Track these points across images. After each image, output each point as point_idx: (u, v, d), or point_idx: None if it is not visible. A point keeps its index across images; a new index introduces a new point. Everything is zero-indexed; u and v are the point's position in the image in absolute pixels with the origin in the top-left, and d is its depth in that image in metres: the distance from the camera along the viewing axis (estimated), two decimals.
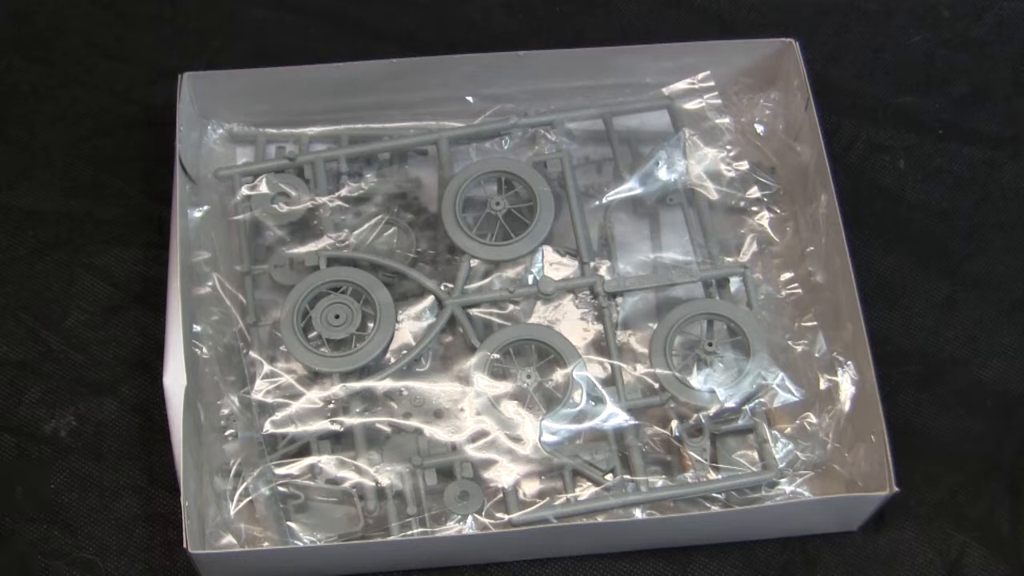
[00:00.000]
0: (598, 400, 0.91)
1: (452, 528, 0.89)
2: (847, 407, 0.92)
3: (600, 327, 0.94)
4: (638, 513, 0.89)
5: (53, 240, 1.02)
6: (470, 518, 0.89)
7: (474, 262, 0.95)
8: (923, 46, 1.12)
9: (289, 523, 0.90)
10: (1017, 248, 1.04)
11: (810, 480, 0.92)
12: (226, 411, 0.92)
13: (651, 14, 1.13)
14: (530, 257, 0.95)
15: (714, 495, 0.90)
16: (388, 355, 0.93)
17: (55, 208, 1.03)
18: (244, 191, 0.97)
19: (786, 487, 0.91)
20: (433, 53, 1.02)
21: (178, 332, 0.90)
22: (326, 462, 0.90)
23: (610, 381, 0.92)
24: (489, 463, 0.90)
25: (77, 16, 1.11)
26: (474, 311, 0.94)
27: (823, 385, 0.93)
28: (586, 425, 0.91)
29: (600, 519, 0.89)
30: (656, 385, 0.92)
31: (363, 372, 0.92)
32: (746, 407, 0.91)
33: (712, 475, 0.91)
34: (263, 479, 0.90)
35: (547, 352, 0.92)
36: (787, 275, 0.98)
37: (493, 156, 1.00)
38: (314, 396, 0.91)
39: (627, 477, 0.90)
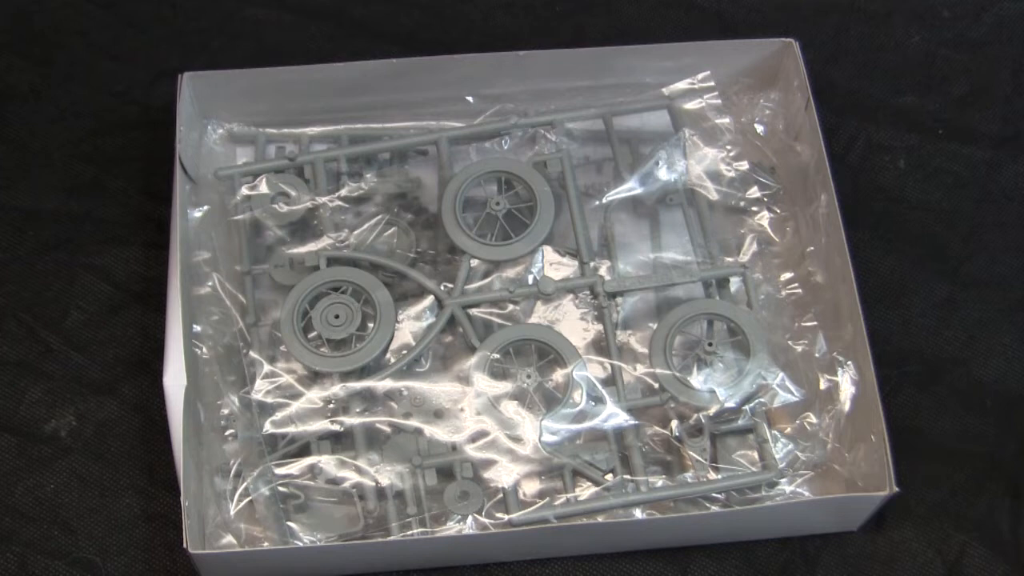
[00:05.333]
0: (598, 400, 0.91)
1: (452, 528, 0.89)
2: (847, 407, 0.92)
3: (600, 327, 0.94)
4: (638, 513, 0.90)
5: (53, 240, 1.02)
6: (470, 518, 0.89)
7: (474, 262, 0.95)
8: (923, 46, 1.12)
9: (289, 523, 0.90)
10: (1017, 248, 1.04)
11: (810, 480, 0.92)
12: (226, 411, 0.92)
13: (651, 14, 1.13)
14: (530, 257, 0.95)
15: (714, 495, 0.90)
16: (388, 355, 0.93)
17: (55, 208, 1.03)
18: (244, 191, 0.97)
19: (786, 487, 0.91)
20: (433, 53, 1.02)
21: (178, 332, 0.90)
22: (326, 462, 0.90)
23: (610, 381, 0.92)
24: (489, 463, 0.90)
25: (77, 16, 1.11)
26: (474, 311, 0.94)
27: (823, 385, 0.93)
28: (586, 425, 0.91)
29: (600, 519, 0.90)
30: (656, 385, 0.92)
31: (363, 372, 0.92)
32: (746, 407, 0.91)
33: (712, 475, 0.91)
34: (263, 479, 0.90)
35: (547, 352, 0.92)
36: (787, 275, 0.98)
37: (493, 156, 1.00)
38: (314, 396, 0.91)
39: (627, 477, 0.90)
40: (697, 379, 0.92)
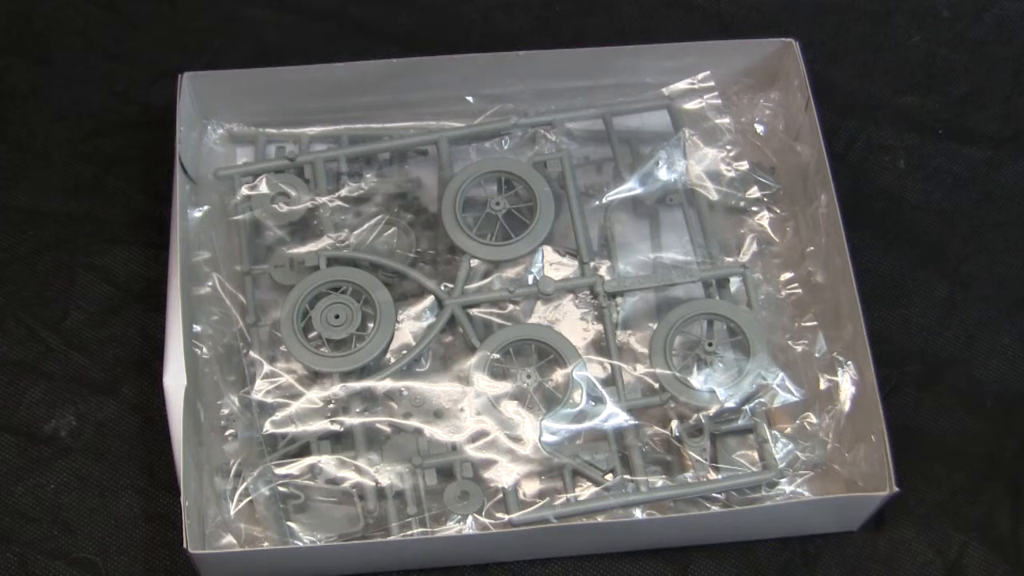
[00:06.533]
0: (598, 400, 0.91)
1: (452, 528, 0.89)
2: (847, 407, 0.92)
3: (600, 327, 0.94)
4: (638, 513, 0.90)
5: (53, 240, 1.02)
6: (470, 518, 0.89)
7: (474, 262, 0.95)
8: (923, 46, 1.12)
9: (289, 523, 0.90)
10: (1017, 248, 1.04)
11: (810, 480, 0.92)
12: (226, 411, 0.92)
13: (651, 14, 1.13)
14: (530, 257, 0.95)
15: (714, 495, 0.90)
16: (388, 355, 0.93)
17: (55, 208, 1.03)
18: (244, 191, 0.97)
19: (786, 487, 0.91)
20: (433, 53, 1.02)
21: (178, 332, 0.90)
22: (326, 462, 0.90)
23: (610, 381, 0.92)
24: (489, 463, 0.90)
25: (77, 16, 1.11)
26: (474, 311, 0.94)
27: (823, 385, 0.93)
28: (586, 425, 0.91)
29: (600, 519, 0.90)
30: (656, 385, 0.92)
31: (363, 372, 0.92)
32: (746, 407, 0.91)
33: (712, 475, 0.91)
34: (263, 479, 0.90)
35: (547, 352, 0.92)
36: (787, 275, 0.98)
37: (493, 156, 1.00)
38: (314, 396, 0.91)
39: (627, 477, 0.90)
40: (697, 379, 0.92)
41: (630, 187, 0.99)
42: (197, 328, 0.94)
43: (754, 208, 1.00)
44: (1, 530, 0.92)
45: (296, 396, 0.92)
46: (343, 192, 0.98)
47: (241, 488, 0.90)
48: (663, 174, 0.99)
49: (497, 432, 0.90)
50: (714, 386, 0.91)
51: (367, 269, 0.95)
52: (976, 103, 1.10)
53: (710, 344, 0.92)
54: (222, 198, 0.98)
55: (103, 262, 1.01)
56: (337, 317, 0.92)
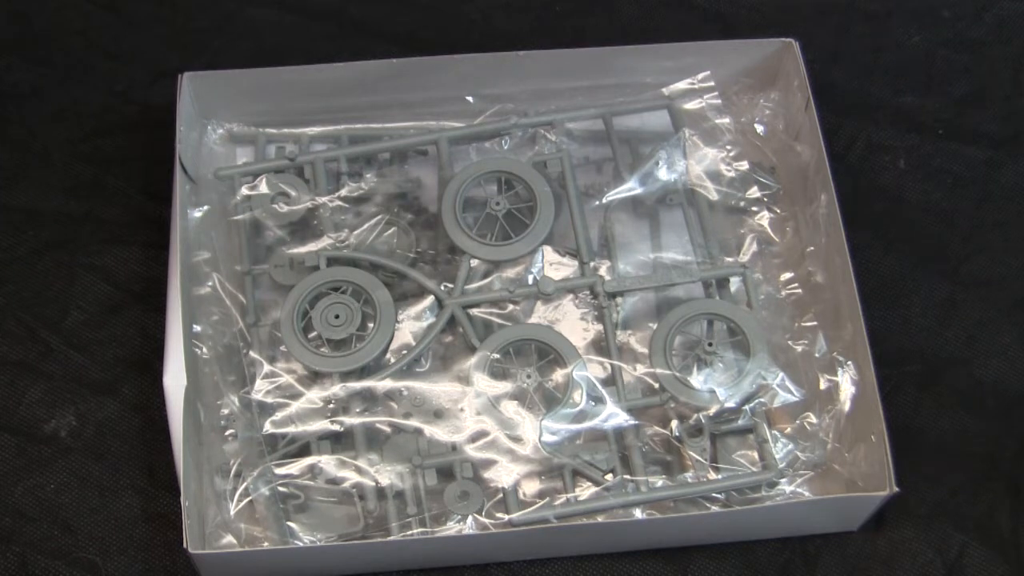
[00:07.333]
0: (598, 400, 0.91)
1: (452, 528, 0.89)
2: (847, 407, 0.92)
3: (600, 327, 0.94)
4: (638, 513, 0.90)
5: (53, 240, 1.02)
6: (470, 518, 0.89)
7: (474, 262, 0.95)
8: (923, 46, 1.12)
9: (289, 523, 0.90)
10: (1017, 248, 1.04)
11: (810, 480, 0.92)
12: (226, 411, 0.92)
13: (651, 14, 1.13)
14: (530, 257, 0.95)
15: (714, 495, 0.90)
16: (388, 355, 0.93)
17: (55, 208, 1.03)
18: (244, 191, 0.97)
19: (786, 487, 0.91)
20: (433, 53, 1.02)
21: (178, 332, 0.90)
22: (326, 462, 0.90)
23: (610, 381, 0.92)
24: (489, 463, 0.90)
25: (77, 16, 1.12)
26: (474, 311, 0.94)
27: (823, 385, 0.93)
28: (586, 425, 0.91)
29: (600, 519, 0.90)
30: (656, 385, 0.92)
31: (363, 372, 0.92)
32: (746, 407, 0.91)
33: (712, 475, 0.91)
34: (263, 479, 0.90)
35: (547, 352, 0.92)
36: (787, 275, 0.98)
37: (493, 156, 1.00)
38: (314, 396, 0.91)
39: (627, 477, 0.90)
40: (697, 379, 0.92)
41: (630, 187, 0.99)
42: (197, 328, 0.94)
43: (754, 208, 1.00)
44: (1, 530, 0.92)
45: (296, 396, 0.92)
46: (343, 192, 0.98)
47: (241, 488, 0.90)
48: (663, 174, 0.99)
49: (497, 432, 0.90)
50: (714, 386, 0.91)
51: (367, 269, 0.95)
52: (976, 103, 1.10)
53: (710, 344, 0.92)
54: (222, 198, 0.98)
55: (103, 262, 1.01)
56: (337, 317, 0.92)
